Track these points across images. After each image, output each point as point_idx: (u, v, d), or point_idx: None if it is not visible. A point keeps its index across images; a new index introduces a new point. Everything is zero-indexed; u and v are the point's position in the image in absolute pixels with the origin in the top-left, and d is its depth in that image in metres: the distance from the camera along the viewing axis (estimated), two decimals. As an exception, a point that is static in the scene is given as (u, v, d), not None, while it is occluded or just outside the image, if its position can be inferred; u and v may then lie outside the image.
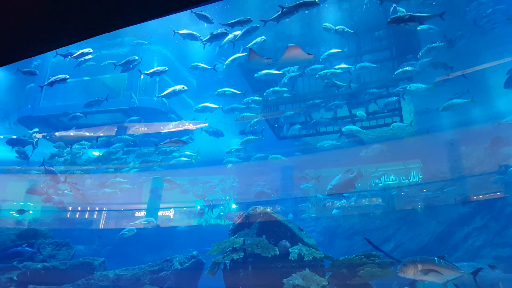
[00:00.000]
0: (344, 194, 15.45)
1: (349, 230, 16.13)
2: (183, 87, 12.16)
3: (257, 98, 13.05)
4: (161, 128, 14.49)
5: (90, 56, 12.00)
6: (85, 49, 11.89)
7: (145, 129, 14.67)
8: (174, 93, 12.09)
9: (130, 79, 15.00)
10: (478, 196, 15.76)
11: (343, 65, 11.88)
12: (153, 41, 13.54)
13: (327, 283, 9.46)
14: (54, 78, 11.75)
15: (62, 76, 11.67)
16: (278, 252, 10.20)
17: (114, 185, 16.26)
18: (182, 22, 12.41)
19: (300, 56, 10.35)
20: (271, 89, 12.75)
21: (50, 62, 15.57)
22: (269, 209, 11.43)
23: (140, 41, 13.56)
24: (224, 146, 14.68)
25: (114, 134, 14.90)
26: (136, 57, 12.14)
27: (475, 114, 15.58)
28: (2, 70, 15.25)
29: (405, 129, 13.19)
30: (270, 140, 14.89)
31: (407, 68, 11.56)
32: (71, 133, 13.44)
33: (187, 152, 14.62)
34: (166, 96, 12.27)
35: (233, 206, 16.80)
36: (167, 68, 12.17)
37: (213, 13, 12.25)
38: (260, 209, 11.40)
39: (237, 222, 11.51)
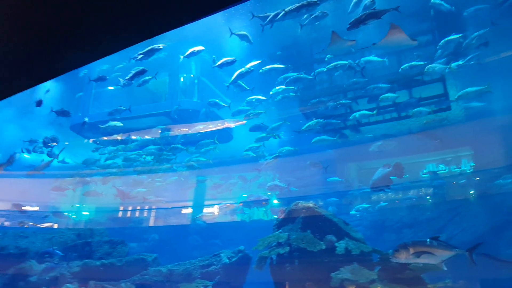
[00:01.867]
0: (387, 187, 15.07)
1: (397, 223, 15.60)
2: (251, 67, 12.10)
3: (261, 97, 13.05)
4: (201, 128, 14.86)
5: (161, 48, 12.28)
6: (155, 46, 12.16)
7: (185, 130, 15.11)
8: (242, 75, 12.15)
9: (171, 83, 15.50)
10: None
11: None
12: (190, 43, 13.82)
13: (376, 277, 9.32)
14: (134, 71, 12.08)
15: (140, 68, 11.96)
16: (324, 247, 10.17)
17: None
18: (218, 23, 12.61)
19: (402, 40, 9.72)
20: (276, 88, 12.72)
21: (97, 70, 16.44)
22: (311, 204, 11.41)
23: (155, 47, 13.77)
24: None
25: (158, 136, 15.51)
26: (202, 47, 12.39)
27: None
28: (53, 81, 16.34)
29: (427, 115, 12.61)
30: (308, 134, 14.75)
31: (414, 63, 11.08)
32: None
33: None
34: (235, 80, 12.37)
35: (275, 201, 16.93)
36: (235, 59, 12.18)
37: (245, 11, 12.35)
38: (303, 204, 11.41)
39: (281, 217, 11.62)
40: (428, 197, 16.28)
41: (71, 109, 15.04)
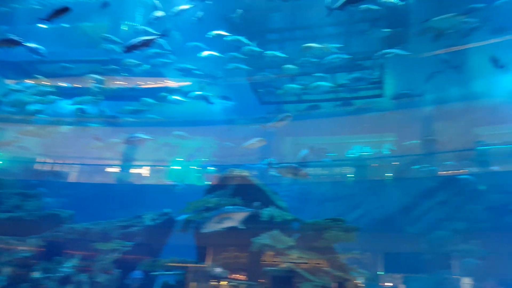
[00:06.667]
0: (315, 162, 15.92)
1: (320, 196, 16.69)
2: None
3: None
4: (139, 83, 13.96)
5: None
6: None
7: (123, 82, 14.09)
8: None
9: (111, 29, 14.07)
10: (445, 171, 16.55)
11: None
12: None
13: (294, 244, 9.78)
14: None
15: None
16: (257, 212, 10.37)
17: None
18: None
19: None
20: None
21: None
22: (245, 173, 11.54)
23: None
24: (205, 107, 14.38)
25: (88, 85, 14.20)
26: None
27: (452, 93, 15.95)
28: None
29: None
30: (252, 104, 14.72)
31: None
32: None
33: None
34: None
35: (210, 168, 16.84)
36: None
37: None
38: (237, 171, 11.48)
39: (213, 183, 11.60)
40: (350, 175, 17.65)
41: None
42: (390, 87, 14.49)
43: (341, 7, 9.50)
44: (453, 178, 16.04)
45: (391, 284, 14.64)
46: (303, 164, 12.29)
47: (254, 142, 12.61)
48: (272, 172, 14.58)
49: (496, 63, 11.96)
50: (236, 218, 7.77)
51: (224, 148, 15.57)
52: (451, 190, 15.96)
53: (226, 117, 14.93)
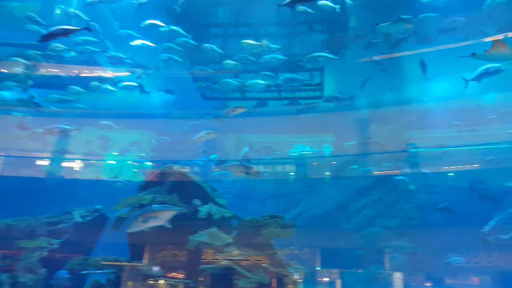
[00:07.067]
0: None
1: (263, 193, 17.00)
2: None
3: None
4: (73, 71, 13.07)
5: None
6: None
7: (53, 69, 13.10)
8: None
9: (43, 11, 12.92)
10: (379, 171, 17.62)
11: None
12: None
13: (232, 241, 9.78)
14: None
15: None
16: (186, 210, 10.19)
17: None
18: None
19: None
20: None
21: None
22: (185, 169, 11.29)
23: None
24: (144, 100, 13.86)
25: (11, 71, 12.97)
26: None
27: (386, 97, 17.04)
28: None
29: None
30: (195, 99, 14.48)
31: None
32: None
33: None
34: None
35: (148, 163, 16.31)
36: None
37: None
38: (176, 168, 11.19)
39: (149, 179, 11.22)
40: (291, 173, 18.20)
41: None
42: (330, 89, 15.10)
43: (290, 4, 9.62)
44: (386, 178, 17.15)
45: (328, 279, 15.21)
46: (245, 161, 12.30)
47: (204, 135, 12.45)
48: (215, 169, 14.50)
49: (424, 67, 13.02)
50: (162, 217, 7.52)
51: (163, 143, 15.16)
52: (384, 189, 17.07)
53: (166, 111, 14.51)
